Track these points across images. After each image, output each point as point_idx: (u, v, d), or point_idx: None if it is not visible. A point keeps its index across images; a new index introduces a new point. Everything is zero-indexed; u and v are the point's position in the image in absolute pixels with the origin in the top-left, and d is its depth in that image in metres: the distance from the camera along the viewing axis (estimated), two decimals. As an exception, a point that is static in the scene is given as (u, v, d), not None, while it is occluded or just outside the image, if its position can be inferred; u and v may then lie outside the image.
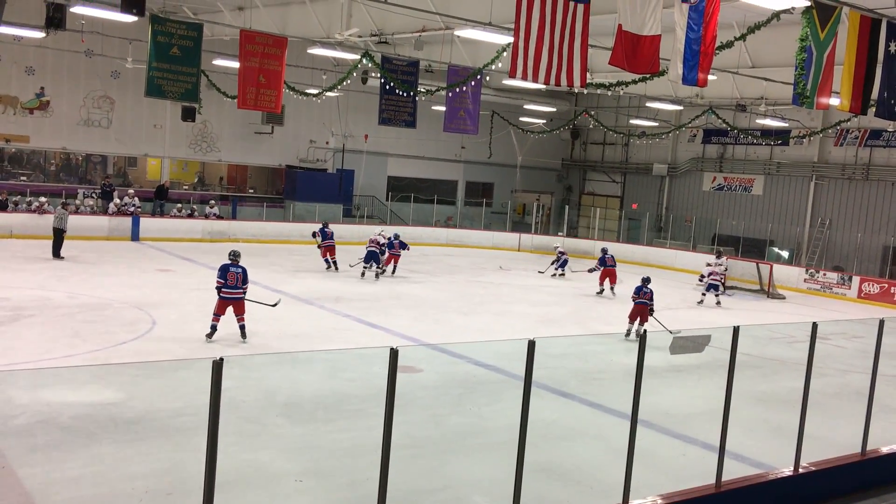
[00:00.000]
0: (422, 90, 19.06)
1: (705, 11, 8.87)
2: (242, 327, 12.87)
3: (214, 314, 12.87)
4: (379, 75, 18.55)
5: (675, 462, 8.87)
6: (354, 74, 19.25)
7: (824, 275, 26.59)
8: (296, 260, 24.00)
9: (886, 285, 25.07)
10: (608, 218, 35.85)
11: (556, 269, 24.68)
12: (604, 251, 22.13)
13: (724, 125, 26.57)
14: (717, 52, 9.75)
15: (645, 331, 6.67)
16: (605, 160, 38.74)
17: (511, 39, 8.97)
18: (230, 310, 12.88)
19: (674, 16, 9.06)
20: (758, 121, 27.43)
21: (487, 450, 8.83)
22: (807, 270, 27.08)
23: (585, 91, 27.37)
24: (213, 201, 28.52)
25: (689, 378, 12.48)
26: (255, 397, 9.89)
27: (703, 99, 25.44)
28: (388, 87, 18.37)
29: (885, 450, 8.84)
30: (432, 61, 21.38)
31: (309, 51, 21.15)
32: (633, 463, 6.62)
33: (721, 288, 21.75)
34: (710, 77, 12.69)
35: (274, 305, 14.25)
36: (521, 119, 34.12)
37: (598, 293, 21.50)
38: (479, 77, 18.36)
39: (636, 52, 8.72)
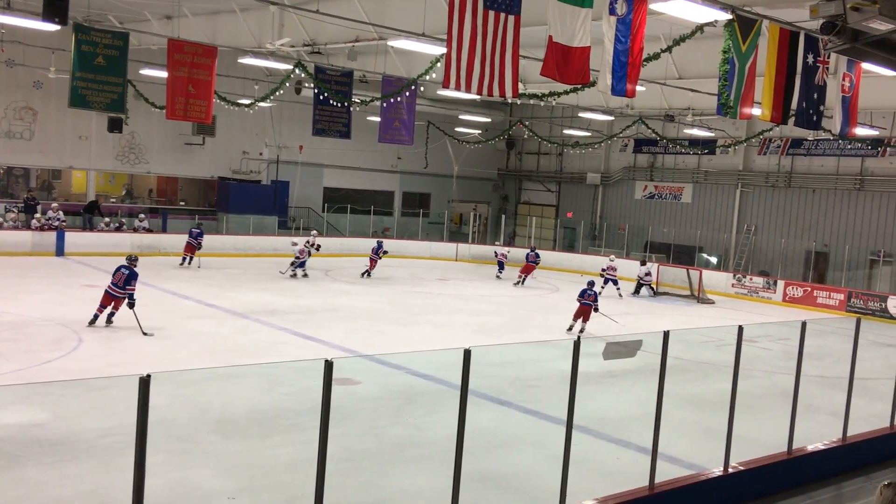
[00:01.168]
0: (356, 100, 18.97)
1: (632, 24, 9.08)
2: (112, 314, 14.39)
3: (99, 305, 14.37)
4: (312, 85, 18.40)
5: (611, 466, 9.00)
6: (287, 84, 19.01)
7: (751, 279, 27.44)
8: (229, 273, 23.58)
9: (809, 289, 26.01)
10: (544, 227, 36.30)
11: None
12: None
13: (654, 135, 27.24)
14: (644, 63, 9.98)
15: (579, 338, 6.76)
16: (541, 170, 39.25)
17: (445, 50, 9.01)
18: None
19: (602, 28, 9.25)
20: (686, 131, 28.19)
21: (426, 460, 8.80)
22: (734, 275, 27.90)
23: (519, 101, 27.69)
24: (142, 214, 27.83)
25: (624, 383, 12.68)
26: (188, 414, 9.66)
27: (633, 109, 26.01)
28: (321, 97, 18.22)
29: (810, 448, 9.14)
30: (366, 71, 21.33)
31: (240, 60, 20.85)
32: (570, 468, 6.68)
33: (618, 282, 24.50)
34: (639, 88, 13.00)
35: (145, 334, 13.98)
36: (457, 129, 34.34)
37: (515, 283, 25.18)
38: (413, 87, 18.37)
39: (567, 64, 8.86)
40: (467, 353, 5.93)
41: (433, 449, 9.02)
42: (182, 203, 32.41)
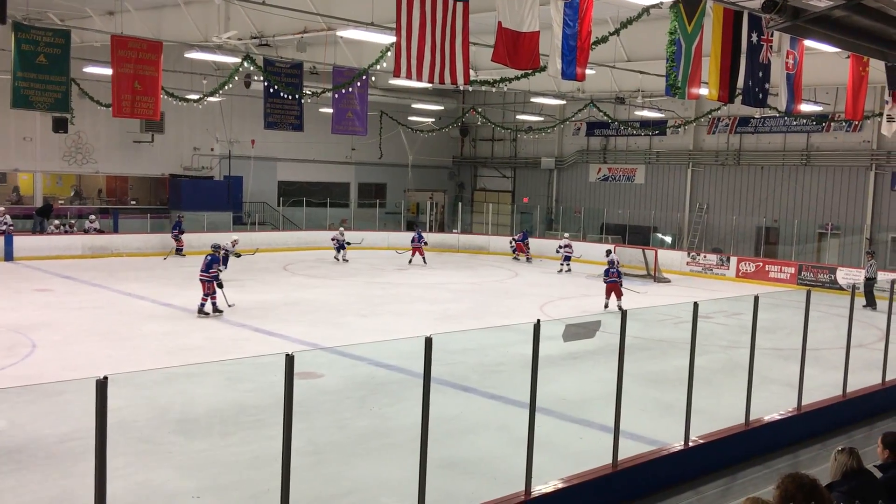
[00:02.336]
0: (307, 92, 18.78)
1: (580, 8, 9.14)
2: (214, 305, 16.28)
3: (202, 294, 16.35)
4: (262, 78, 18.16)
5: (575, 446, 9.12)
6: (236, 78, 18.76)
7: (705, 257, 27.94)
8: (185, 271, 23.22)
9: (761, 263, 26.58)
10: (501, 213, 36.43)
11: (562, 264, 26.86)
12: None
13: (606, 118, 27.48)
14: (592, 47, 10.04)
15: (538, 321, 6.81)
16: (495, 156, 39.37)
17: (394, 39, 8.96)
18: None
19: (550, 12, 9.29)
20: (636, 112, 28.53)
21: (392, 450, 8.82)
22: (688, 253, 28.38)
23: (471, 88, 27.72)
24: (92, 216, 27.23)
25: (585, 364, 12.84)
26: (147, 415, 9.53)
27: (584, 93, 26.22)
28: (271, 90, 17.99)
29: (767, 419, 9.37)
30: (317, 63, 21.14)
31: (187, 55, 20.50)
32: (534, 450, 6.75)
33: (568, 263, 26.60)
34: (589, 71, 13.11)
35: (229, 306, 16.85)
36: (410, 118, 34.23)
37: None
38: (364, 77, 18.26)
39: (517, 49, 8.88)
40: (428, 341, 5.95)
41: (398, 438, 9.04)
42: (133, 202, 31.78)
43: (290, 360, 5.26)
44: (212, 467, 8.15)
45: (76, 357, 12.47)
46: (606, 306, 18.65)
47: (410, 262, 27.07)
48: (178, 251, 26.77)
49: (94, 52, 21.95)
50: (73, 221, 27.02)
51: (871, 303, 20.04)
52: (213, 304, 16.32)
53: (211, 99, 20.81)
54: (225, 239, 21.67)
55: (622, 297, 18.45)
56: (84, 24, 21.02)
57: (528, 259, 29.54)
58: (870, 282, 20.90)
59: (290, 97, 18.17)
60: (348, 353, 13.05)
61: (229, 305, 16.69)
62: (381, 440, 9.22)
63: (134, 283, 20.54)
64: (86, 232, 26.44)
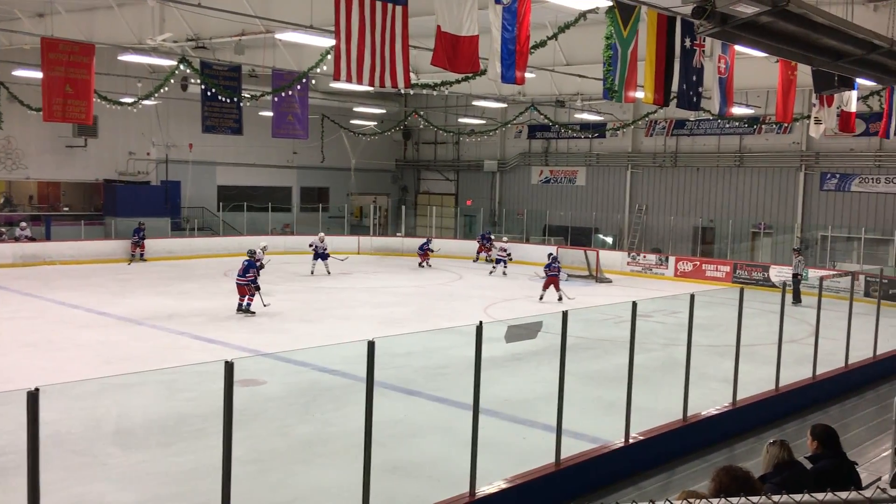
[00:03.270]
0: (246, 96, 18.54)
1: (518, 12, 9.22)
2: (248, 306, 17.32)
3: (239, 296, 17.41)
4: (199, 81, 17.85)
5: (518, 446, 9.19)
6: (172, 81, 18.39)
7: (644, 257, 28.49)
8: (121, 279, 22.68)
9: (698, 262, 27.23)
10: (444, 216, 36.54)
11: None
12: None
13: (547, 121, 27.78)
14: (531, 51, 10.15)
15: (480, 323, 6.85)
16: (438, 159, 39.45)
17: (334, 42, 8.90)
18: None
19: (489, 16, 9.35)
20: (576, 115, 28.92)
21: (337, 455, 8.76)
22: (629, 254, 28.91)
23: (412, 92, 27.74)
24: (23, 223, 26.35)
25: (528, 365, 12.96)
26: (82, 427, 9.29)
27: (525, 96, 26.46)
28: (209, 93, 17.69)
29: (704, 414, 9.61)
30: (255, 65, 20.84)
31: (120, 58, 20.02)
32: (479, 451, 6.80)
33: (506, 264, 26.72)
34: (529, 75, 13.24)
35: (265, 305, 17.85)
36: (352, 122, 34.04)
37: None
38: (304, 81, 18.10)
39: (456, 53, 8.91)
40: (371, 345, 5.94)
41: (343, 444, 8.98)
42: (66, 209, 30.84)
43: (229, 367, 5.19)
44: (150, 479, 7.97)
45: (7, 369, 12.05)
46: (542, 298, 20.64)
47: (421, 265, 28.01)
48: (141, 256, 26.75)
49: (23, 55, 21.23)
50: (3, 229, 26.13)
51: (797, 298, 20.71)
52: (248, 305, 17.34)
53: (146, 102, 20.36)
54: (251, 244, 22.02)
55: (560, 290, 20.67)
56: (13, 26, 20.32)
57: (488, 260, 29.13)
58: (797, 278, 21.64)
59: (228, 100, 17.91)
60: (291, 358, 12.92)
61: (265, 305, 17.69)
62: (325, 446, 9.15)
63: (68, 291, 19.97)
64: (16, 240, 25.58)
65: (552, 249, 25.78)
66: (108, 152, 30.13)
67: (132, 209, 28.61)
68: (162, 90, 18.61)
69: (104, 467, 8.23)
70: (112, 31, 19.71)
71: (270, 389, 11.44)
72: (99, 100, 16.75)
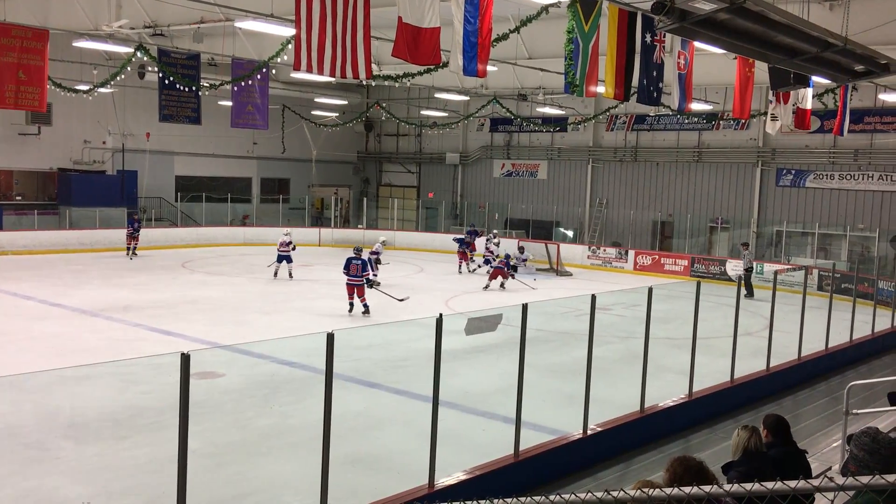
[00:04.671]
0: (205, 84, 18.23)
1: (480, 4, 9.20)
2: (365, 305, 16.81)
3: (348, 294, 16.89)
4: (156, 69, 17.53)
5: (478, 438, 9.23)
6: (129, 69, 18.05)
7: (604, 251, 28.78)
8: (75, 270, 22.23)
9: (657, 256, 27.60)
10: (406, 208, 36.46)
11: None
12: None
13: (509, 114, 27.88)
14: (494, 44, 10.15)
15: (441, 315, 6.85)
16: (400, 151, 39.33)
17: (294, 31, 8.80)
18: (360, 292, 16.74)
19: (451, 9, 9.33)
20: (538, 109, 29.05)
21: (296, 448, 8.70)
22: (589, 247, 29.17)
23: (374, 83, 27.60)
24: (-26, 212, 25.69)
25: (489, 357, 13.00)
26: (35, 420, 9.10)
27: (487, 89, 26.50)
28: (167, 81, 17.36)
29: (660, 405, 9.75)
30: (214, 54, 20.56)
31: (75, 44, 19.51)
32: (439, 444, 6.81)
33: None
34: (491, 68, 13.24)
35: (401, 300, 17.62)
36: (314, 112, 33.76)
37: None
38: (265, 70, 17.87)
39: (417, 45, 8.87)
40: (330, 337, 5.91)
41: (301, 436, 8.93)
42: (18, 198, 30.07)
43: (185, 359, 5.12)
44: (105, 472, 7.83)
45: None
46: (487, 287, 21.66)
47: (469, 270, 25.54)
48: (133, 250, 25.84)
49: (-28, 39, 20.64)
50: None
51: (749, 292, 21.11)
52: (357, 303, 16.83)
53: (102, 90, 19.93)
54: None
55: (505, 281, 21.82)
56: (-39, 8, 19.76)
57: (471, 263, 26.23)
58: (747, 272, 22.10)
59: (186, 89, 17.60)
60: (250, 351, 12.79)
61: (400, 300, 17.57)
62: (284, 439, 9.08)
63: (21, 282, 19.52)
64: (-34, 229, 24.93)
65: (523, 245, 26.05)
66: (62, 141, 29.46)
67: (87, 199, 28.05)
68: (118, 78, 18.26)
69: (57, 461, 8.07)
70: (67, 16, 19.25)
71: (228, 382, 11.32)
72: (53, 87, 16.36)
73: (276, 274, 22.22)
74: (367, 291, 17.05)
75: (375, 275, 18.24)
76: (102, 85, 18.75)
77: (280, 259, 22.13)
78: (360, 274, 16.75)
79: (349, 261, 16.83)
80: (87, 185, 28.87)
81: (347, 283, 16.86)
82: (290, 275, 22.17)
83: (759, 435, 5.01)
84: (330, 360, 5.93)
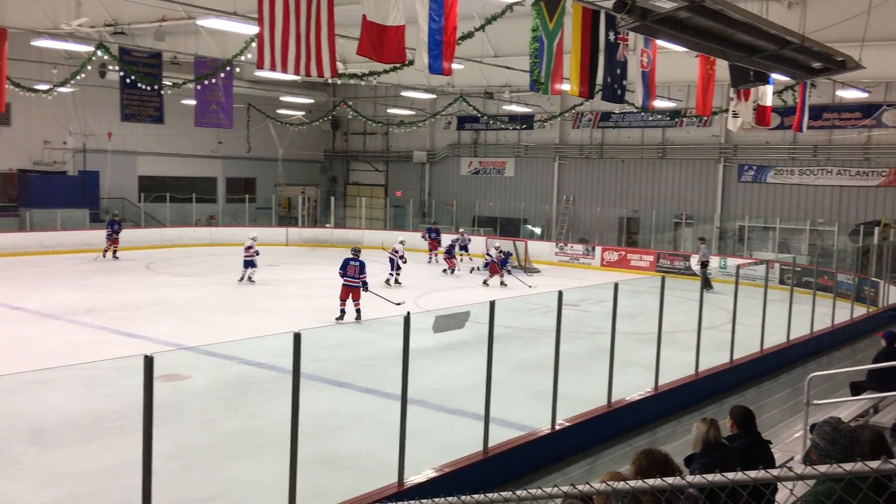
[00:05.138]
0: (167, 83, 18.02)
1: (444, 2, 9.20)
2: (358, 311, 15.99)
3: (340, 299, 16.00)
4: (117, 68, 17.26)
5: (447, 436, 9.24)
6: (90, 68, 17.74)
7: (572, 247, 28.99)
8: (37, 272, 21.83)
9: (623, 252, 27.86)
10: (374, 207, 36.37)
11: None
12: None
13: (476, 112, 27.91)
14: (459, 42, 10.15)
15: (408, 314, 6.85)
16: (367, 150, 39.21)
17: (258, 29, 8.73)
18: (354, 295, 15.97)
19: (416, 7, 9.32)
20: (504, 107, 29.14)
21: (263, 449, 8.64)
22: (556, 244, 29.35)
23: (340, 81, 27.44)
24: (-70, 214, 25.10)
25: (458, 355, 13.03)
26: (-4, 427, 8.91)
27: (454, 87, 26.52)
28: (128, 80, 17.13)
29: (627, 399, 9.85)
30: (177, 53, 20.32)
31: (34, 43, 19.17)
32: (408, 442, 6.81)
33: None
34: (456, 66, 13.27)
35: (398, 304, 16.95)
36: (279, 111, 33.51)
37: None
38: (228, 69, 17.71)
39: (382, 43, 8.85)
40: (297, 337, 5.88)
41: (270, 437, 8.87)
42: (-23, 200, 29.52)
43: (149, 361, 5.06)
44: (68, 478, 7.71)
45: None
46: (486, 282, 22.30)
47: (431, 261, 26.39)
48: (113, 253, 25.25)
49: (-74, 37, 20.16)
50: None
51: (707, 284, 21.42)
52: (350, 309, 16.03)
53: (62, 89, 19.58)
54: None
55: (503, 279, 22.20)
56: (-85, 7, 19.29)
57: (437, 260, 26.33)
58: (704, 266, 22.51)
59: (148, 88, 17.39)
60: (216, 352, 12.66)
61: (397, 304, 16.95)
62: (252, 440, 9.01)
63: (-21, 286, 19.12)
64: (-78, 232, 24.34)
65: (498, 242, 26.11)
66: (22, 141, 28.90)
67: (48, 200, 27.54)
68: (78, 77, 17.94)
69: (18, 466, 7.93)
70: (25, 15, 18.87)
71: (194, 384, 11.20)
72: (12, 86, 16.04)
73: (241, 279, 21.44)
74: (363, 294, 16.24)
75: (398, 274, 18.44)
76: (62, 84, 18.42)
77: (245, 265, 21.27)
78: (357, 276, 15.97)
79: (346, 262, 16.11)
80: (48, 186, 28.35)
81: (344, 286, 16.08)
82: (251, 279, 21.18)
83: (717, 427, 5.12)
84: (297, 359, 5.90)
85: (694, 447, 5.11)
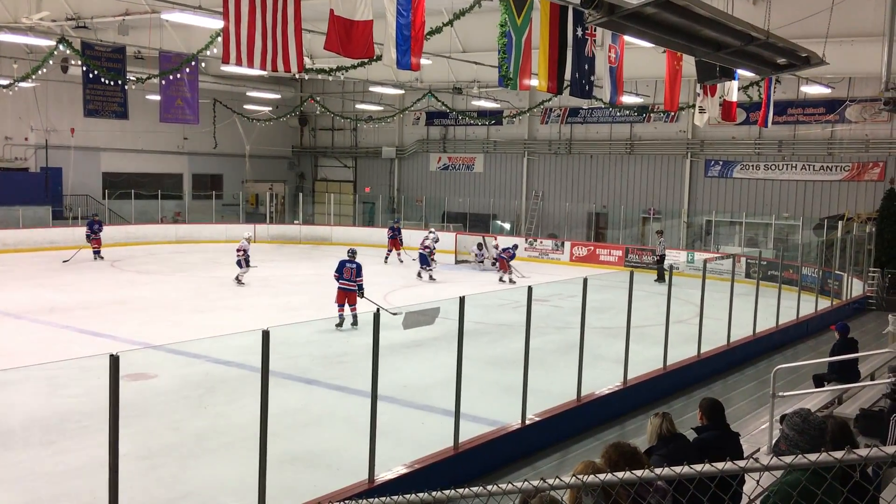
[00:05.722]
0: (131, 78, 17.75)
1: (412, -3, 9.18)
2: (355, 316, 14.95)
3: (336, 304, 15.00)
4: (80, 63, 16.96)
5: (418, 432, 9.23)
6: (51, 62, 17.42)
7: (541, 242, 29.10)
8: (14, 273, 21.39)
9: (593, 247, 28.04)
10: (343, 203, 36.20)
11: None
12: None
13: (444, 107, 27.90)
14: (427, 37, 10.12)
15: (378, 310, 6.83)
16: (336, 146, 39.00)
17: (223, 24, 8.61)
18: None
19: (383, 1, 9.27)
20: (473, 102, 29.17)
21: (232, 448, 8.56)
22: (526, 239, 29.45)
23: (307, 76, 27.29)
24: None
25: (428, 351, 13.01)
26: (-44, 430, 8.72)
27: (422, 83, 26.46)
28: (91, 75, 16.84)
29: (597, 393, 9.91)
30: (141, 47, 20.01)
31: (-7, 36, 18.79)
32: (378, 438, 6.78)
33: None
34: (425, 62, 13.23)
35: (395, 314, 15.35)
36: (246, 107, 33.17)
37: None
38: (194, 63, 17.47)
39: (350, 37, 8.79)
40: (265, 334, 5.82)
41: (238, 436, 8.79)
42: (-65, 197, 28.82)
43: (114, 360, 4.98)
44: (33, 479, 7.57)
45: None
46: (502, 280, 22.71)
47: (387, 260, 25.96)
48: (97, 254, 24.42)
49: None
50: None
51: (661, 277, 21.66)
52: (348, 314, 15.04)
53: (23, 84, 19.23)
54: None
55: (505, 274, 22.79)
56: None
57: (400, 259, 25.76)
58: (661, 259, 22.90)
59: (112, 83, 17.12)
60: (183, 350, 12.50)
61: (394, 314, 15.11)
62: (220, 439, 8.92)
63: (-63, 286, 18.69)
64: None
65: (480, 240, 26.34)
66: (-19, 137, 28.31)
67: (9, 198, 26.98)
68: (40, 72, 17.63)
69: (-20, 470, 7.77)
70: (-17, 8, 18.48)
71: (161, 383, 11.06)
72: (-31, 81, 15.71)
73: (237, 278, 20.60)
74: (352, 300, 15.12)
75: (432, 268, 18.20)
76: (23, 79, 18.09)
77: (238, 264, 20.57)
78: (354, 279, 14.95)
79: (342, 264, 15.07)
80: (9, 184, 27.80)
81: (339, 290, 14.98)
82: (239, 280, 20.54)
83: (669, 420, 5.28)
84: (266, 357, 5.84)
85: (650, 441, 5.25)
